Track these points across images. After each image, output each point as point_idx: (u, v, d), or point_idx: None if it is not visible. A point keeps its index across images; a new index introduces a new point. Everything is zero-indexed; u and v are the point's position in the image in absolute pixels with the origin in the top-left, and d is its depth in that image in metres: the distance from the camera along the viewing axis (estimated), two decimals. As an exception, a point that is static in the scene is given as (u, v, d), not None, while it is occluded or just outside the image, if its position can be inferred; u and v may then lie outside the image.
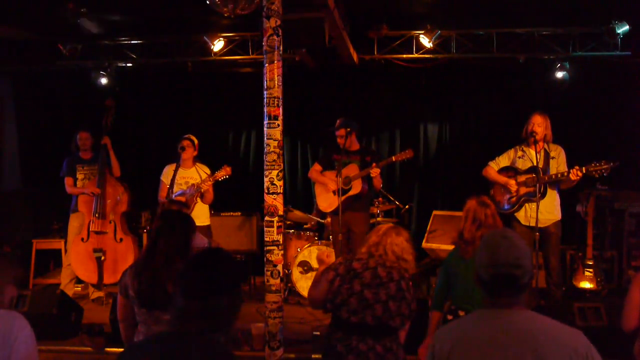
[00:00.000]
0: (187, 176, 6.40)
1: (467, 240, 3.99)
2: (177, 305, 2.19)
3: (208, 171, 6.47)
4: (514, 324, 2.10)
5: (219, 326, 2.20)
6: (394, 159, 6.47)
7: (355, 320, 3.27)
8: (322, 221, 7.38)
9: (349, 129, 6.29)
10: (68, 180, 6.98)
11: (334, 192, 6.40)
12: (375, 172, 6.22)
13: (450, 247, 6.72)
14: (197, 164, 6.52)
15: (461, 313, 3.91)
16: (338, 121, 6.44)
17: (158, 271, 3.26)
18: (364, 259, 3.40)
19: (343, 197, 6.23)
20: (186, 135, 6.48)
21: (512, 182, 5.84)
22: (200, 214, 6.33)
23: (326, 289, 3.36)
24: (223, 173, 6.28)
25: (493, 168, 6.00)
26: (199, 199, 6.37)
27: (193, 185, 6.32)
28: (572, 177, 5.44)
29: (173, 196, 6.06)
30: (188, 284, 2.21)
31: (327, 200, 6.54)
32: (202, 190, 6.27)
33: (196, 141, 6.52)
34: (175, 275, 3.04)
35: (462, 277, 3.95)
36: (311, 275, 6.83)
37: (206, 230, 6.39)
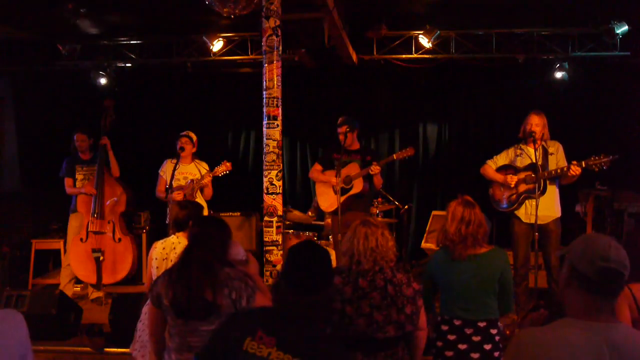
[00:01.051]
0: (186, 172, 6.43)
1: (455, 240, 3.66)
2: (285, 301, 2.27)
3: (207, 167, 6.50)
4: (619, 341, 1.97)
5: (326, 317, 2.33)
6: (395, 157, 6.44)
7: (340, 334, 3.11)
8: (321, 223, 7.38)
9: (348, 127, 6.30)
10: (67, 181, 6.98)
11: (335, 191, 6.40)
12: (375, 169, 6.20)
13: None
14: (196, 160, 6.56)
15: (457, 322, 3.59)
16: (341, 118, 6.45)
17: (195, 279, 3.06)
18: (345, 272, 3.21)
19: (344, 197, 6.24)
20: (184, 133, 6.48)
21: (510, 177, 5.80)
22: None
23: None
24: (223, 168, 6.31)
25: (491, 166, 5.99)
26: (199, 194, 6.39)
27: (192, 181, 6.36)
28: (572, 171, 5.43)
29: (172, 191, 6.08)
30: (299, 279, 2.28)
31: (328, 200, 6.52)
32: (203, 184, 6.31)
33: (195, 137, 6.53)
34: (213, 283, 3.03)
35: (455, 281, 3.64)
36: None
37: None
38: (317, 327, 2.29)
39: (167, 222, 6.08)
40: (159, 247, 4.20)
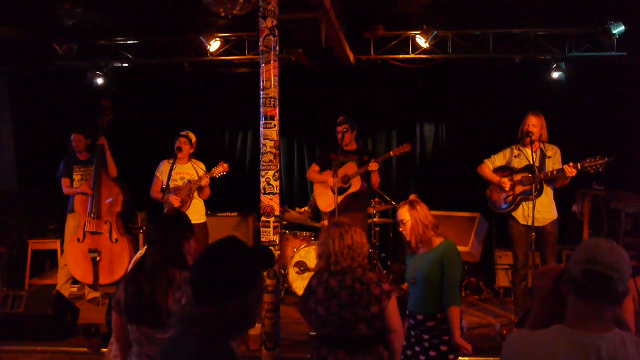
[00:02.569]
0: (183, 172, 6.43)
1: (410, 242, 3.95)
2: (190, 310, 1.97)
3: (204, 167, 6.49)
4: (605, 354, 1.94)
5: (232, 332, 2.00)
6: (392, 154, 6.53)
7: (322, 333, 3.25)
8: (317, 225, 7.39)
9: (348, 126, 6.33)
10: (64, 181, 6.98)
11: (332, 190, 6.40)
12: (373, 166, 6.22)
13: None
14: (193, 160, 6.55)
15: (419, 317, 3.85)
16: (341, 117, 6.47)
17: (146, 284, 2.92)
18: (321, 273, 3.32)
19: (343, 195, 6.24)
20: (184, 132, 6.48)
21: (506, 180, 5.84)
22: (197, 211, 6.36)
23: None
24: (220, 169, 6.30)
25: (488, 166, 6.01)
26: (196, 194, 6.39)
27: (189, 181, 6.35)
28: (567, 173, 5.44)
29: (169, 192, 6.08)
30: (200, 288, 1.96)
31: (327, 200, 6.54)
32: (202, 184, 6.29)
33: (194, 138, 6.53)
34: (166, 288, 2.90)
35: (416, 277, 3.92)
36: (308, 275, 6.83)
37: (202, 227, 6.40)
38: (214, 344, 1.94)
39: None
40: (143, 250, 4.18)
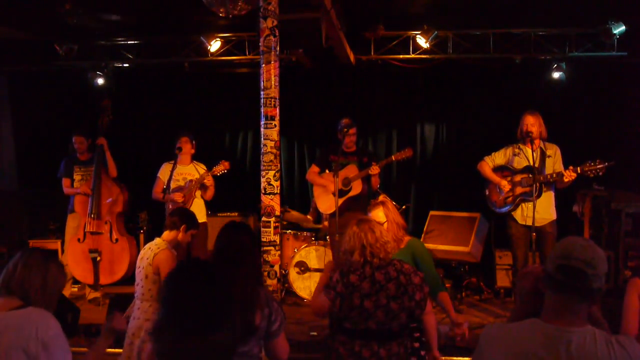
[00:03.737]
0: (185, 172, 6.48)
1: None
2: (171, 349, 1.75)
3: (205, 168, 6.54)
4: (574, 347, 1.99)
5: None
6: (393, 159, 6.48)
7: (359, 328, 3.29)
8: (319, 226, 7.39)
9: (356, 129, 6.36)
10: (65, 181, 6.98)
11: (333, 193, 6.38)
12: (375, 170, 6.22)
13: (448, 247, 6.79)
14: (194, 161, 6.61)
15: None
16: (346, 120, 6.43)
17: (240, 301, 2.86)
18: (360, 269, 3.32)
19: (344, 198, 6.23)
20: (184, 133, 6.53)
21: (505, 182, 5.84)
22: (198, 211, 6.32)
23: (327, 305, 3.32)
24: (221, 168, 6.37)
25: (488, 164, 6.00)
26: (199, 194, 6.45)
27: (191, 181, 6.40)
28: (566, 178, 5.45)
29: (170, 192, 6.11)
30: (184, 317, 1.74)
31: (327, 202, 6.53)
32: (207, 183, 6.37)
33: (194, 141, 6.59)
34: (256, 303, 2.89)
35: None
36: (308, 275, 6.83)
37: (202, 227, 6.40)
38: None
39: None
40: (145, 247, 4.25)
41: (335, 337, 3.39)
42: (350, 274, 3.31)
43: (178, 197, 6.24)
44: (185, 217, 4.29)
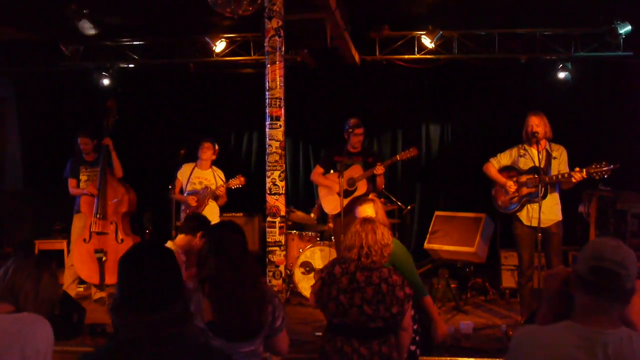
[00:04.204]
0: (202, 177, 6.64)
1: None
2: (126, 324, 1.94)
3: (222, 176, 6.73)
4: (612, 350, 1.96)
5: (178, 335, 1.97)
6: (398, 158, 6.46)
7: (337, 322, 3.33)
8: (324, 227, 7.39)
9: (363, 130, 6.36)
10: (71, 182, 6.99)
11: (338, 194, 6.37)
12: (380, 169, 6.21)
13: (453, 248, 6.78)
14: (214, 167, 6.77)
15: None
16: (354, 120, 6.41)
17: (249, 300, 2.86)
18: (347, 264, 3.39)
19: (349, 199, 6.22)
20: (207, 139, 6.73)
21: (511, 183, 5.82)
22: (212, 213, 6.51)
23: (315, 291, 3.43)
24: (237, 182, 6.52)
25: (494, 165, 5.98)
26: (212, 201, 6.61)
27: (206, 187, 6.57)
28: (574, 179, 5.43)
29: (186, 194, 6.33)
30: (137, 295, 1.94)
31: (332, 203, 6.51)
32: (218, 194, 6.54)
33: (217, 147, 6.77)
34: (261, 301, 2.86)
35: None
36: (313, 275, 6.84)
37: None
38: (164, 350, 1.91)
39: (176, 223, 6.27)
40: None
41: (324, 336, 3.47)
42: (336, 265, 3.41)
43: (192, 201, 6.42)
44: (204, 224, 4.28)
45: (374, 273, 3.34)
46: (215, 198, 6.62)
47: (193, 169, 6.41)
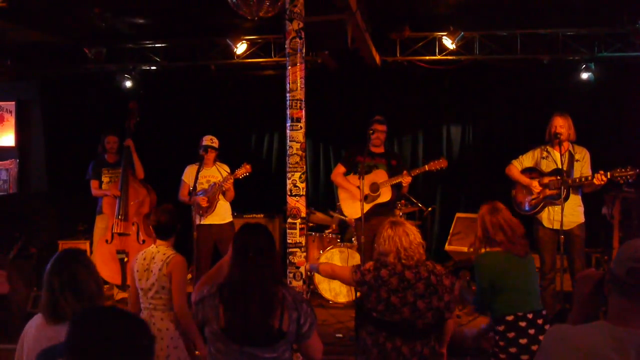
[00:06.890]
0: (209, 175, 6.51)
1: (514, 241, 4.06)
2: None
3: (228, 169, 6.57)
4: None
5: None
6: (427, 168, 6.21)
7: (385, 319, 3.44)
8: (345, 218, 7.22)
9: (386, 127, 6.30)
10: (93, 183, 7.07)
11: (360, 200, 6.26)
12: (407, 181, 6.11)
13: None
14: (217, 162, 6.61)
15: (509, 318, 3.82)
16: (378, 116, 6.36)
17: (257, 306, 2.82)
18: (391, 266, 3.50)
19: (371, 204, 6.15)
20: (208, 136, 6.54)
21: (536, 183, 5.76)
22: (223, 212, 6.50)
23: (349, 277, 3.65)
24: (243, 171, 6.34)
25: (516, 167, 5.93)
26: (221, 197, 6.47)
27: (214, 184, 6.42)
28: (597, 182, 5.37)
29: (196, 194, 6.13)
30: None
31: (352, 207, 6.35)
32: (225, 188, 6.39)
33: (217, 141, 6.57)
34: (278, 308, 2.82)
35: (523, 277, 3.96)
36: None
37: (230, 227, 6.50)
38: None
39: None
40: (139, 258, 4.02)
41: (363, 327, 3.57)
42: (382, 269, 3.51)
43: (203, 202, 6.29)
44: (178, 219, 4.17)
45: (420, 268, 3.49)
46: (223, 193, 6.46)
47: (198, 169, 6.15)
